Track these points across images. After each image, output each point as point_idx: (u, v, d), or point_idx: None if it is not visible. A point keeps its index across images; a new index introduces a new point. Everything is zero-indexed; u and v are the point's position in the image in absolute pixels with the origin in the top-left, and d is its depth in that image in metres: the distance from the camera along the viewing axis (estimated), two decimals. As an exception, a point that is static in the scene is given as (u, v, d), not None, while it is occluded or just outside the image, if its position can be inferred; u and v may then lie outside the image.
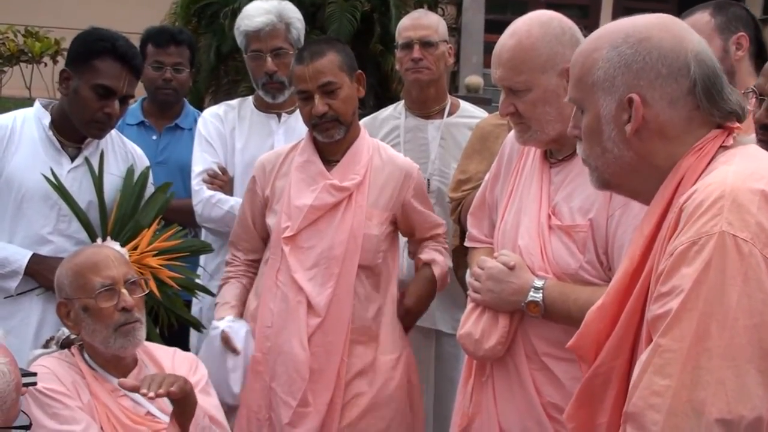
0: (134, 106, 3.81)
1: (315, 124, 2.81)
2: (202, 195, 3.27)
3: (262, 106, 3.45)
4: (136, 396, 2.39)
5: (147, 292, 2.51)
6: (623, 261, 1.60)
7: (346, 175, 2.84)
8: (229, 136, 3.40)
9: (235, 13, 10.01)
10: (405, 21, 3.53)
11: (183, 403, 2.29)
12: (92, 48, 2.79)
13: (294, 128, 3.43)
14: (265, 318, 2.85)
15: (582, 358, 1.64)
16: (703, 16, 2.80)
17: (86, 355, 2.42)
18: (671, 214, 1.47)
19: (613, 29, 1.59)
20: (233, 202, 3.24)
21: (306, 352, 2.74)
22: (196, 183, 3.30)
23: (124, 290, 2.37)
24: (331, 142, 2.84)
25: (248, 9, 3.39)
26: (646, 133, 1.54)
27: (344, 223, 2.81)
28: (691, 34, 1.57)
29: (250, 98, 3.51)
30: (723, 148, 1.54)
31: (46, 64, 12.00)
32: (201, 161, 3.35)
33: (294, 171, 2.88)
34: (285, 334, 2.78)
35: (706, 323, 1.34)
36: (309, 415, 2.75)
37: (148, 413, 2.40)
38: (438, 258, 3.01)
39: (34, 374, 2.24)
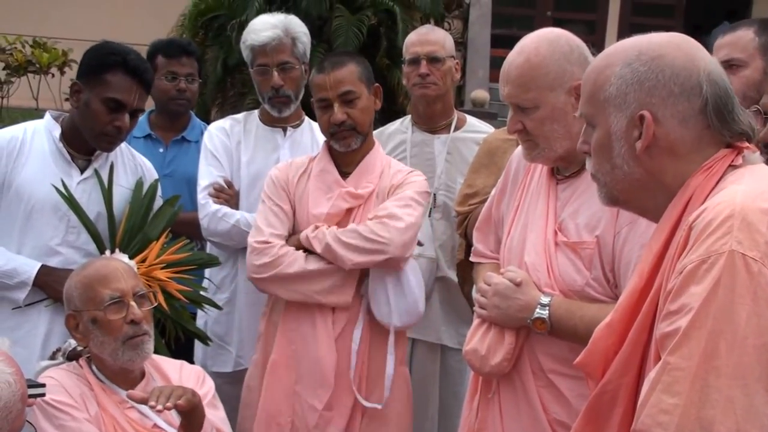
0: (141, 119, 3.82)
1: (333, 132, 2.88)
2: (208, 209, 3.27)
3: (267, 120, 3.45)
4: (144, 408, 2.39)
5: (155, 305, 2.52)
6: (632, 278, 1.60)
7: (360, 183, 2.90)
8: (235, 149, 3.41)
9: (242, 25, 10.06)
10: (412, 36, 3.55)
11: (191, 416, 2.30)
12: (103, 61, 2.81)
13: (299, 142, 3.44)
14: (289, 320, 2.86)
15: (589, 375, 1.64)
16: (747, 34, 2.78)
17: (94, 368, 2.43)
18: (680, 232, 1.48)
19: (627, 46, 1.60)
20: (239, 216, 3.24)
21: (333, 355, 2.78)
22: (202, 197, 3.30)
23: (132, 303, 2.38)
24: (347, 151, 2.89)
25: (254, 23, 3.40)
26: (656, 151, 1.54)
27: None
28: (703, 54, 1.58)
29: (256, 112, 3.52)
30: (732, 167, 1.54)
31: (53, 75, 12.05)
32: (207, 175, 3.35)
33: (311, 180, 2.93)
34: (311, 338, 2.80)
35: (715, 342, 1.34)
36: (333, 419, 2.78)
37: (155, 425, 2.41)
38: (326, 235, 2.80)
39: (43, 386, 2.24)
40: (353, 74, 2.87)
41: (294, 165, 3.02)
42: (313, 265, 2.80)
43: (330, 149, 2.96)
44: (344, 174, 2.94)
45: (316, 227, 2.82)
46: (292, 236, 2.90)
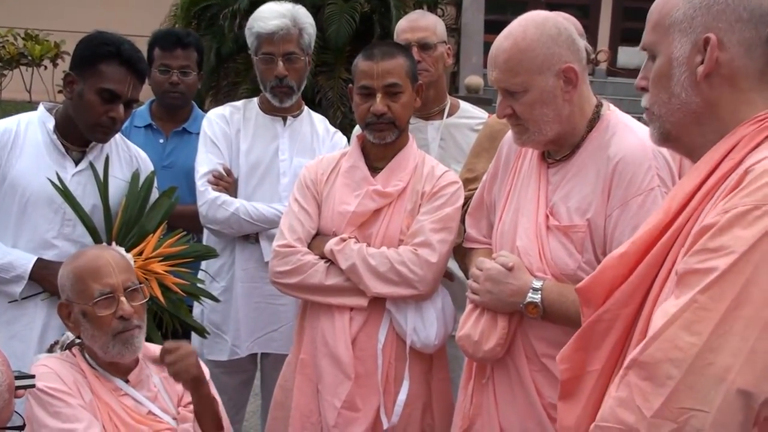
0: (143, 108, 3.81)
1: (370, 122, 2.80)
2: (207, 196, 3.27)
3: (267, 109, 3.45)
4: (138, 395, 2.42)
5: (148, 298, 2.51)
6: (656, 215, 1.56)
7: (390, 181, 2.83)
8: (234, 137, 3.40)
9: (235, 14, 10.13)
10: (402, 23, 3.52)
11: (199, 393, 2.38)
12: (97, 52, 2.79)
13: (299, 132, 3.44)
14: (312, 318, 2.83)
15: (588, 301, 1.61)
16: None
17: (87, 356, 2.44)
18: (735, 175, 1.43)
19: None
20: (238, 204, 3.25)
21: (349, 352, 2.72)
22: (201, 184, 3.30)
23: (123, 298, 2.37)
24: (380, 144, 2.83)
25: (262, 11, 3.38)
26: (717, 79, 1.52)
27: (384, 229, 2.80)
28: None
29: (255, 100, 3.51)
30: None
31: (46, 67, 12.04)
32: (206, 162, 3.35)
33: (340, 176, 2.88)
34: (331, 336, 2.76)
35: (750, 291, 1.30)
36: (357, 421, 2.72)
37: (150, 412, 2.42)
38: (348, 250, 2.75)
39: (33, 376, 2.24)
40: (402, 67, 2.80)
41: (324, 161, 2.95)
42: (333, 280, 2.75)
43: (362, 144, 2.90)
44: (375, 170, 2.87)
45: (342, 240, 2.76)
46: (318, 237, 2.83)
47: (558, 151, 2.34)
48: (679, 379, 1.30)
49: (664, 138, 1.62)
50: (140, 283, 2.48)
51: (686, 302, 1.33)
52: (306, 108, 3.53)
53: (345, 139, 3.50)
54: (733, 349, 1.28)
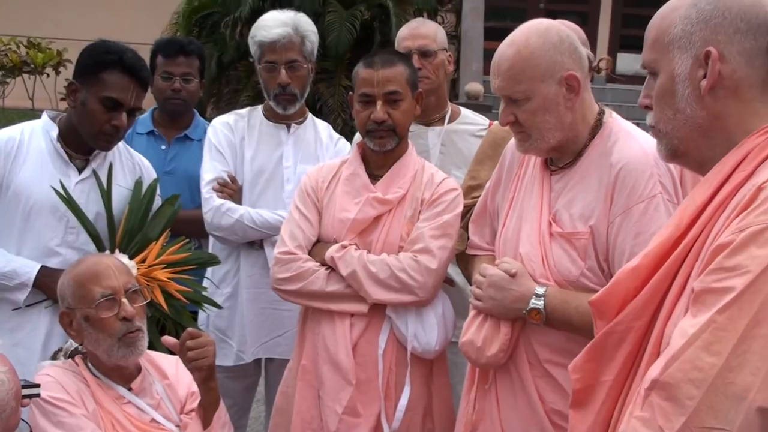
0: (145, 115, 3.84)
1: (370, 130, 2.82)
2: (212, 203, 3.28)
3: (271, 117, 3.46)
4: (141, 403, 2.42)
5: (148, 300, 2.52)
6: (667, 228, 1.56)
7: (390, 189, 2.84)
8: (239, 145, 3.42)
9: (236, 22, 10.16)
10: (403, 31, 3.54)
11: (209, 385, 2.37)
12: (100, 60, 2.81)
13: (303, 139, 3.46)
14: (313, 324, 2.84)
15: (601, 314, 1.62)
16: None
17: (90, 364, 2.44)
18: (746, 189, 1.44)
19: None
20: (243, 211, 3.27)
21: (350, 358, 2.73)
22: (206, 191, 3.32)
23: (124, 300, 2.39)
24: (380, 152, 2.85)
25: (265, 20, 3.40)
26: (721, 91, 1.52)
27: (384, 236, 2.81)
28: None
29: (259, 108, 3.53)
30: None
31: (48, 75, 12.07)
32: (211, 169, 3.37)
33: (340, 183, 2.89)
34: (332, 342, 2.76)
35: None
36: (358, 426, 2.72)
37: (153, 420, 2.43)
38: (349, 256, 2.76)
39: (38, 386, 2.25)
40: (402, 75, 2.82)
41: (325, 168, 2.97)
42: (333, 286, 2.76)
43: (362, 152, 2.92)
44: (375, 177, 2.88)
45: (343, 247, 2.77)
46: (318, 244, 2.85)
47: (560, 158, 2.35)
48: (699, 398, 1.30)
49: (673, 154, 1.63)
50: (140, 285, 2.50)
51: (705, 322, 1.34)
52: (310, 115, 3.55)
53: (349, 145, 3.52)
54: (752, 368, 1.29)
